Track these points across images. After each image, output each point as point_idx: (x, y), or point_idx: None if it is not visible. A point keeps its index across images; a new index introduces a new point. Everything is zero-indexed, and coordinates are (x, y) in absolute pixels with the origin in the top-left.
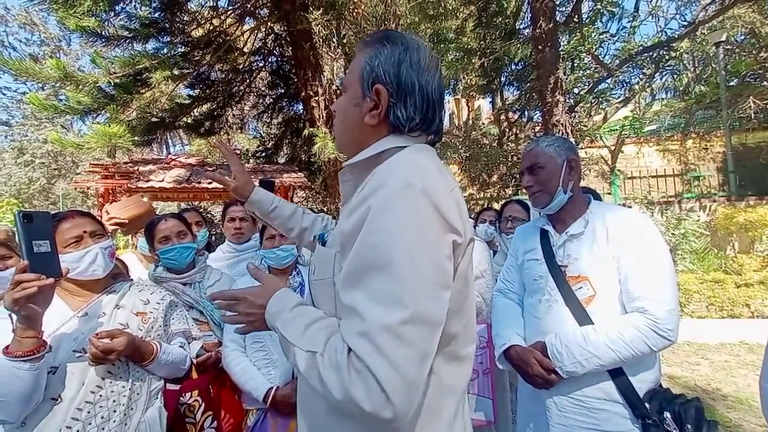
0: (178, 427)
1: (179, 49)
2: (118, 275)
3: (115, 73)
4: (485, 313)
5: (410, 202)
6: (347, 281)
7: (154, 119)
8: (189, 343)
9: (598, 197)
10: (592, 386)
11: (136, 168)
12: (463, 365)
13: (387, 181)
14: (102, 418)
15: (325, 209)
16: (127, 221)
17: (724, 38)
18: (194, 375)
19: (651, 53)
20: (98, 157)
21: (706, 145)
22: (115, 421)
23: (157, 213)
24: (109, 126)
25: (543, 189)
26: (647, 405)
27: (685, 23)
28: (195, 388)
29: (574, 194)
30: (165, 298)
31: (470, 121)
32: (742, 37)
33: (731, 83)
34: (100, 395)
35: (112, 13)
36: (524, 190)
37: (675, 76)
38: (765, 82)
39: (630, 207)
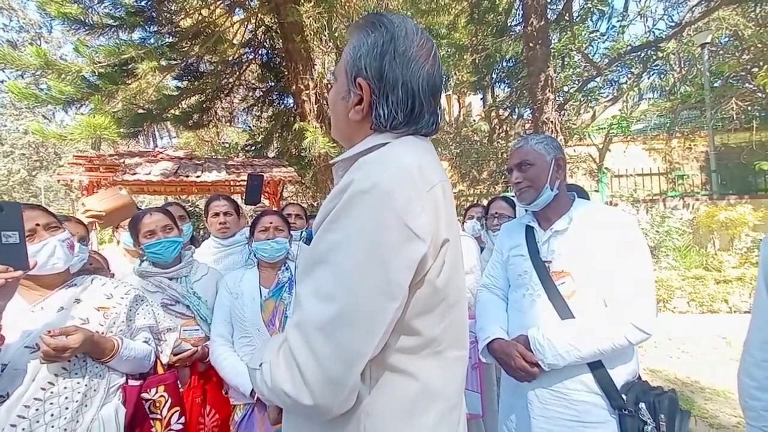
0: (140, 424)
1: (167, 40)
2: (98, 270)
3: (99, 62)
4: (473, 309)
5: (372, 206)
6: (302, 271)
7: (140, 111)
8: (164, 334)
9: (585, 195)
10: (572, 378)
11: (122, 160)
12: (450, 369)
13: (356, 178)
14: (52, 415)
15: (315, 204)
16: (104, 214)
17: (709, 40)
18: (160, 370)
19: (639, 53)
20: (82, 149)
21: (690, 145)
22: (65, 419)
23: (140, 206)
24: (94, 117)
25: (531, 185)
26: (624, 396)
27: (673, 24)
28: (160, 383)
29: (560, 192)
30: (130, 292)
31: (461, 118)
32: (726, 39)
33: (715, 84)
34: (51, 392)
35: (96, 0)
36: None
37: (662, 76)
38: (747, 84)
39: (616, 205)
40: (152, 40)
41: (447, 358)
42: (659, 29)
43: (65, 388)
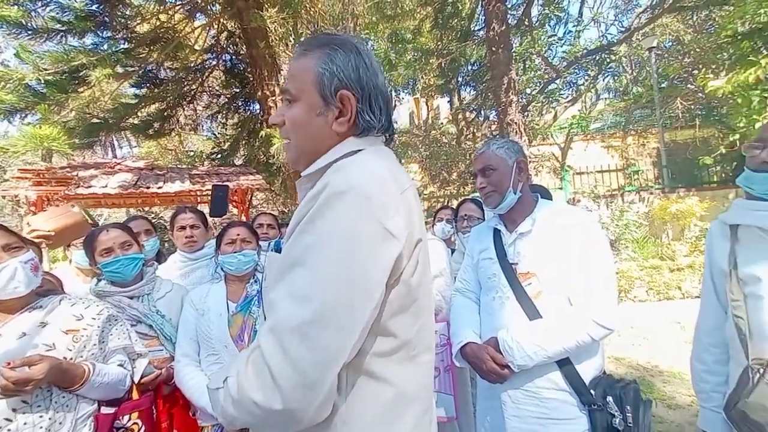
0: None
1: (122, 46)
2: (50, 291)
3: (45, 69)
4: (445, 311)
5: (348, 207)
6: (275, 277)
7: (95, 120)
8: (134, 360)
9: (549, 196)
10: (542, 377)
11: (75, 173)
12: (422, 372)
13: (332, 181)
14: None
15: (285, 210)
16: (52, 233)
17: (655, 44)
18: (135, 395)
19: (594, 56)
20: (31, 162)
21: (643, 142)
22: None
23: (99, 221)
24: (41, 128)
25: (495, 190)
26: (592, 392)
27: (623, 29)
28: (135, 409)
29: (523, 194)
30: (103, 312)
31: (430, 121)
32: (670, 44)
33: (662, 85)
34: (9, 429)
35: (39, 3)
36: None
37: (615, 77)
38: (689, 85)
39: (579, 201)
40: (106, 46)
41: (420, 363)
42: (611, 34)
43: (25, 423)
